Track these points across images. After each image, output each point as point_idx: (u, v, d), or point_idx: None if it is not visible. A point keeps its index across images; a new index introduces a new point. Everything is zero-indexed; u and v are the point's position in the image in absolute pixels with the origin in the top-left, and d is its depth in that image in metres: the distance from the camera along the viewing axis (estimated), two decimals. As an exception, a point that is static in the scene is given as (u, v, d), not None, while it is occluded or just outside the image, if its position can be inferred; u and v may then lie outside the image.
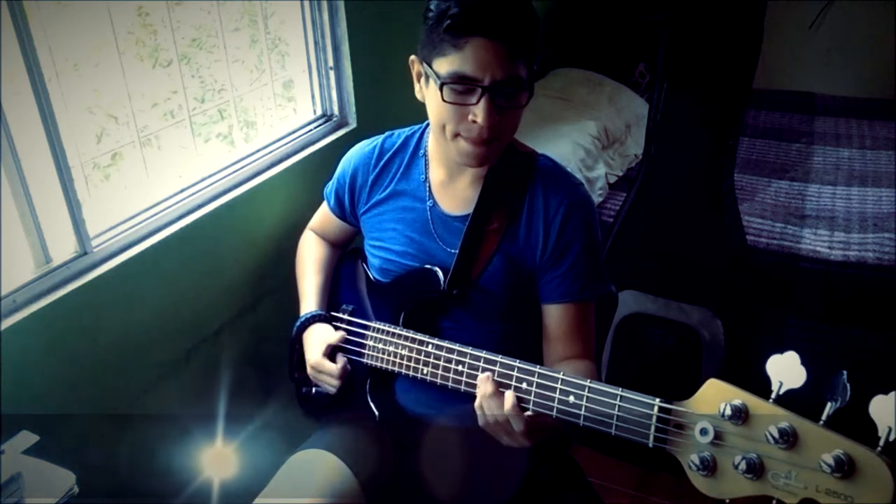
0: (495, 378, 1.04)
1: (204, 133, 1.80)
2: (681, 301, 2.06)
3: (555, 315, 1.20)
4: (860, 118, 3.51)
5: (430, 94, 1.14)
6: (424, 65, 1.13)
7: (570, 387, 0.97)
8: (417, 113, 1.26)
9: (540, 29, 1.13)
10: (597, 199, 2.70)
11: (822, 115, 3.59)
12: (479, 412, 1.04)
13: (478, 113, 1.08)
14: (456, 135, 1.13)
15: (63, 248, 1.35)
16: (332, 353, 1.28)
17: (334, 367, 1.26)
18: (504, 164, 1.22)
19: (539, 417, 1.01)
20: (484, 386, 1.03)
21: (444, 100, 1.09)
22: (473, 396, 1.06)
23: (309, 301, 1.38)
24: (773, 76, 3.78)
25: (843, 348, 2.21)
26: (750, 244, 2.32)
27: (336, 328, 1.31)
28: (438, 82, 1.09)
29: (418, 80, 1.18)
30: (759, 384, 0.86)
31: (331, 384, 1.27)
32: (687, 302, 2.06)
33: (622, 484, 2.10)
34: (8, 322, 1.22)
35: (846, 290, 2.25)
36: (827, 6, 3.85)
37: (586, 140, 2.82)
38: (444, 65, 1.08)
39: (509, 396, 1.00)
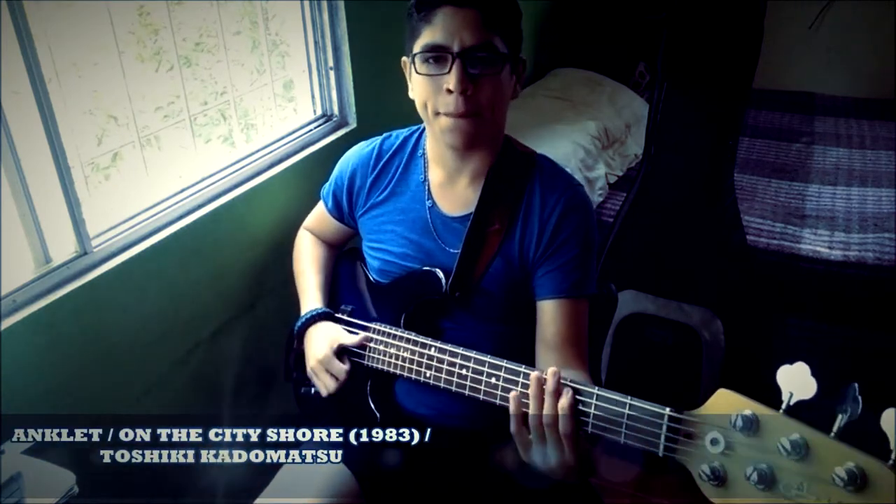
0: (501, 382, 1.03)
1: (205, 134, 1.80)
2: (681, 301, 2.06)
3: (548, 312, 1.19)
4: (860, 118, 3.51)
5: (412, 80, 1.16)
6: (408, 57, 1.16)
7: (577, 394, 0.96)
8: (417, 113, 1.26)
9: (518, 9, 1.16)
10: (597, 200, 2.70)
11: (822, 115, 3.60)
12: (516, 417, 0.98)
13: (450, 80, 1.10)
14: (437, 113, 1.14)
15: (63, 248, 1.35)
16: (340, 354, 1.27)
17: (342, 368, 1.24)
18: (503, 163, 1.22)
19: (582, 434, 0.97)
20: (539, 382, 0.97)
21: (417, 72, 1.12)
22: (475, 401, 1.06)
23: (311, 299, 1.37)
24: (773, 76, 3.77)
25: (843, 348, 2.21)
26: (750, 244, 2.32)
27: (351, 332, 1.29)
28: (412, 56, 1.12)
29: (410, 79, 1.19)
30: (759, 383, 0.86)
31: (328, 386, 1.26)
32: (687, 302, 2.06)
33: (622, 484, 2.09)
34: (8, 322, 1.22)
35: (846, 290, 2.25)
36: (827, 6, 3.85)
37: (586, 140, 2.82)
38: (419, 43, 1.12)
39: (567, 393, 0.95)
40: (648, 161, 2.06)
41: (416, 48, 1.12)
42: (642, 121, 2.81)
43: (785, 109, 3.66)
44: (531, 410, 0.98)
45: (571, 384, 0.97)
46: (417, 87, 1.15)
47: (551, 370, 0.98)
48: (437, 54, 1.11)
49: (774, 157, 3.13)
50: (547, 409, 0.96)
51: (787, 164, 3.05)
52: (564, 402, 0.95)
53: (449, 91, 1.10)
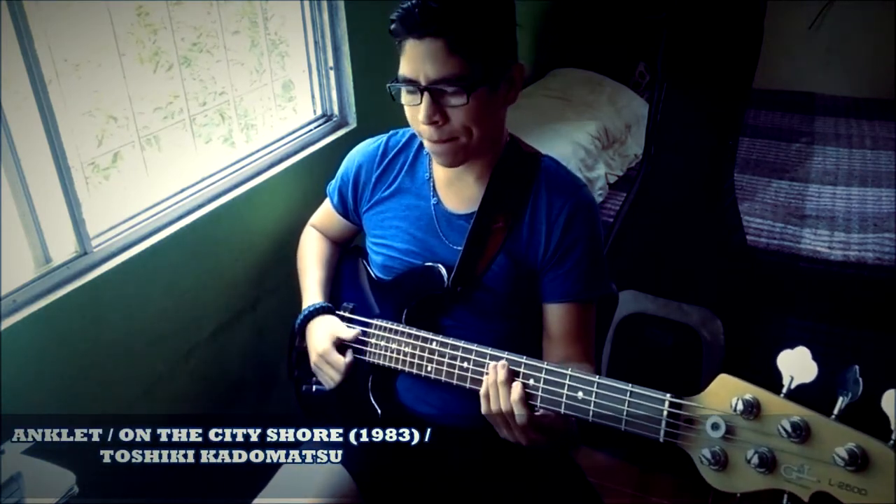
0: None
1: (205, 134, 1.80)
2: (681, 301, 2.06)
3: (556, 314, 1.20)
4: (860, 118, 3.52)
5: None
6: None
7: (578, 383, 0.97)
8: (417, 113, 1.26)
9: (499, 18, 1.12)
10: (597, 200, 2.70)
11: (822, 115, 3.60)
12: (483, 399, 1.04)
13: (420, 112, 1.10)
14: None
15: (63, 248, 1.35)
16: (340, 347, 1.27)
17: (342, 360, 1.24)
18: (508, 163, 1.22)
19: (544, 418, 1.00)
20: (495, 372, 1.03)
21: (399, 101, 1.14)
22: (478, 399, 1.06)
23: (313, 294, 1.37)
24: (773, 76, 3.78)
25: (843, 348, 2.21)
26: (750, 244, 2.32)
27: (349, 326, 1.30)
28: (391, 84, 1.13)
29: None
30: (760, 383, 0.86)
31: (332, 378, 1.26)
32: (687, 302, 2.06)
33: (622, 484, 2.09)
34: (8, 322, 1.22)
35: (846, 290, 2.26)
36: (827, 6, 3.85)
37: (586, 140, 2.83)
38: (399, 71, 1.12)
39: (517, 386, 1.01)
40: (648, 161, 2.06)
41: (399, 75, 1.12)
42: (642, 121, 2.81)
43: (785, 109, 3.67)
44: (491, 399, 1.03)
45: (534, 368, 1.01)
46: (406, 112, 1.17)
47: (500, 363, 1.03)
48: (408, 87, 1.11)
49: (774, 157, 3.13)
50: (498, 399, 1.02)
51: (787, 164, 3.05)
52: (515, 394, 1.00)
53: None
